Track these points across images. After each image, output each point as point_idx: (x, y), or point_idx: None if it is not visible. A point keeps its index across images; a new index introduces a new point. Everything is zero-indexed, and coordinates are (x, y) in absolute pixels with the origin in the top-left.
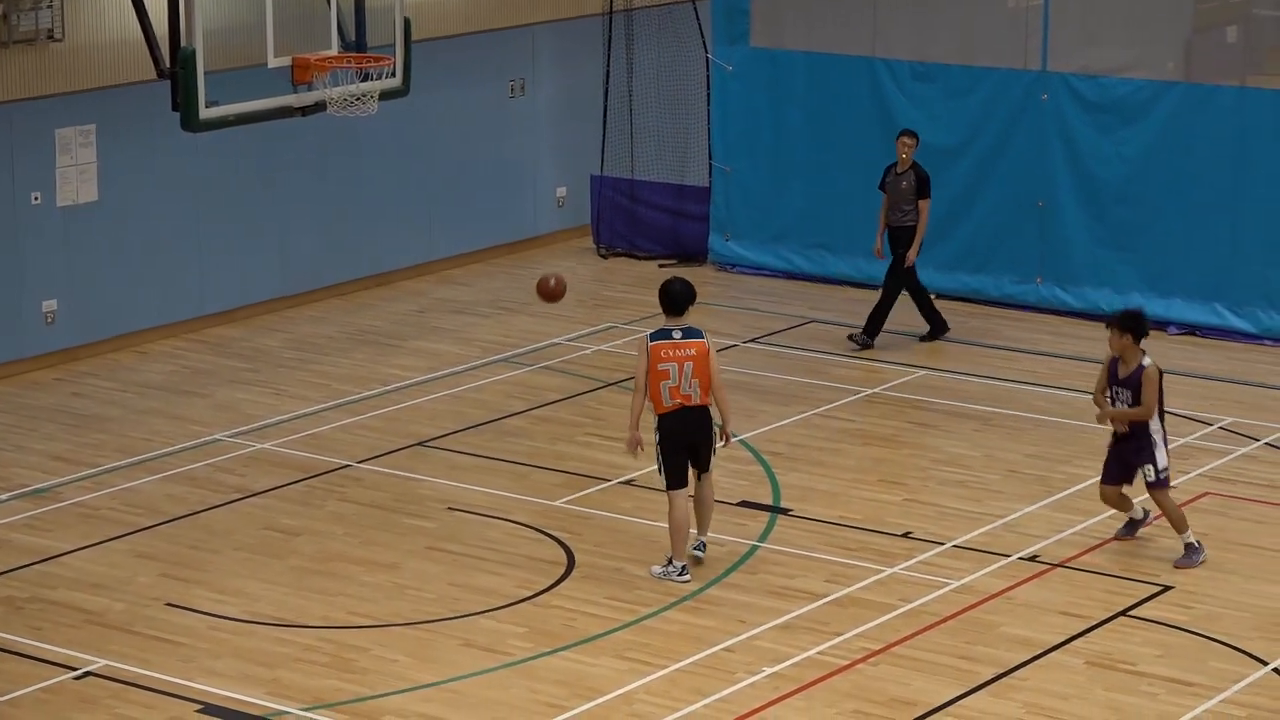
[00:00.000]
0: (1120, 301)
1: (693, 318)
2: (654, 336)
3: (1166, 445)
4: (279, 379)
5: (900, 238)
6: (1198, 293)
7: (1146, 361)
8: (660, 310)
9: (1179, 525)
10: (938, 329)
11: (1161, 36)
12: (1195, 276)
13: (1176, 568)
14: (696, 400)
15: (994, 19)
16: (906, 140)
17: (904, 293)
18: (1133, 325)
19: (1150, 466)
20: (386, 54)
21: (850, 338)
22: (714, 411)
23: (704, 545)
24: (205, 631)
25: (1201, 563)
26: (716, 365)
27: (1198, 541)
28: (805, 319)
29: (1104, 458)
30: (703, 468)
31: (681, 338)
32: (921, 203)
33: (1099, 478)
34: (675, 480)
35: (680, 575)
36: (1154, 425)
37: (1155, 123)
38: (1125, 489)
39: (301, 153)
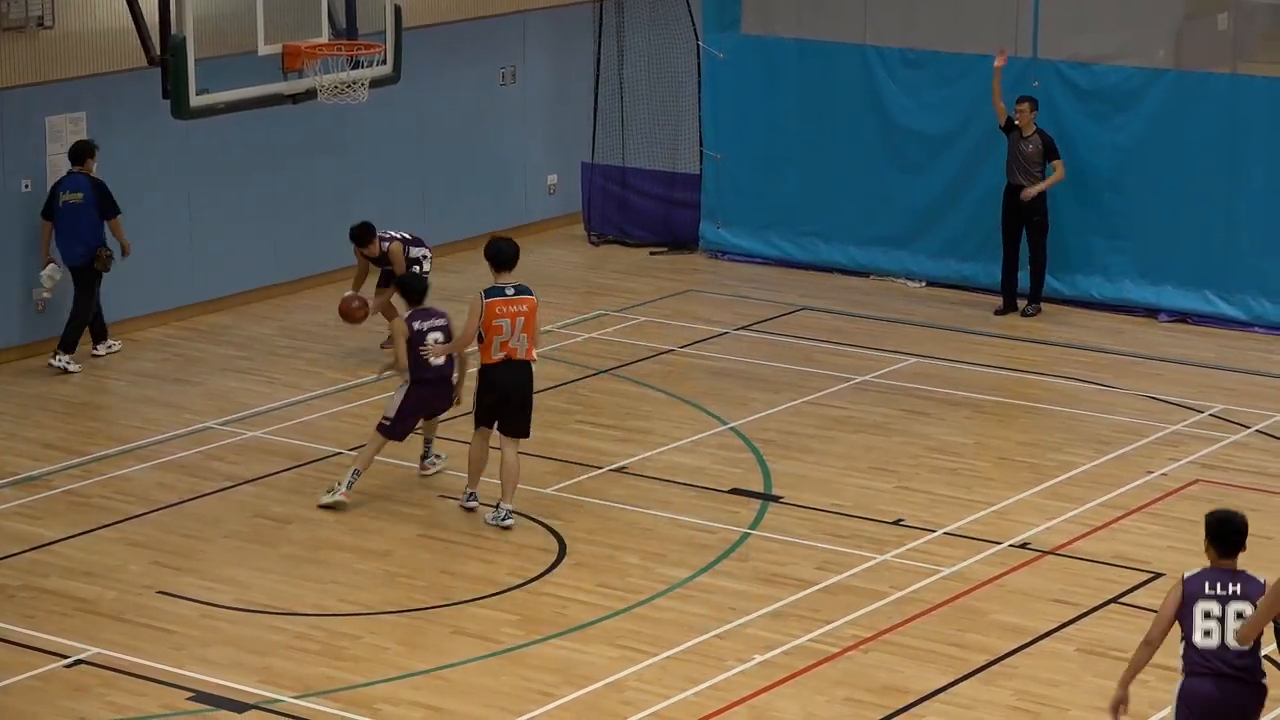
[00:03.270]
0: (1112, 289)
1: (670, 303)
2: (488, 294)
3: (402, 394)
4: (271, 367)
5: (1026, 201)
6: (1189, 280)
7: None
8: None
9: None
10: (1010, 307)
11: (1153, 23)
12: (1187, 264)
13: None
14: (521, 354)
15: (985, 6)
16: (1022, 106)
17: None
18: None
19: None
20: (377, 41)
21: (1023, 313)
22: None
23: (510, 514)
24: (196, 619)
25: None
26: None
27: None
28: (796, 306)
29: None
30: (517, 431)
31: (514, 294)
32: (1056, 163)
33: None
34: (484, 421)
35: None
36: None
37: (1147, 110)
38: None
39: (293, 140)
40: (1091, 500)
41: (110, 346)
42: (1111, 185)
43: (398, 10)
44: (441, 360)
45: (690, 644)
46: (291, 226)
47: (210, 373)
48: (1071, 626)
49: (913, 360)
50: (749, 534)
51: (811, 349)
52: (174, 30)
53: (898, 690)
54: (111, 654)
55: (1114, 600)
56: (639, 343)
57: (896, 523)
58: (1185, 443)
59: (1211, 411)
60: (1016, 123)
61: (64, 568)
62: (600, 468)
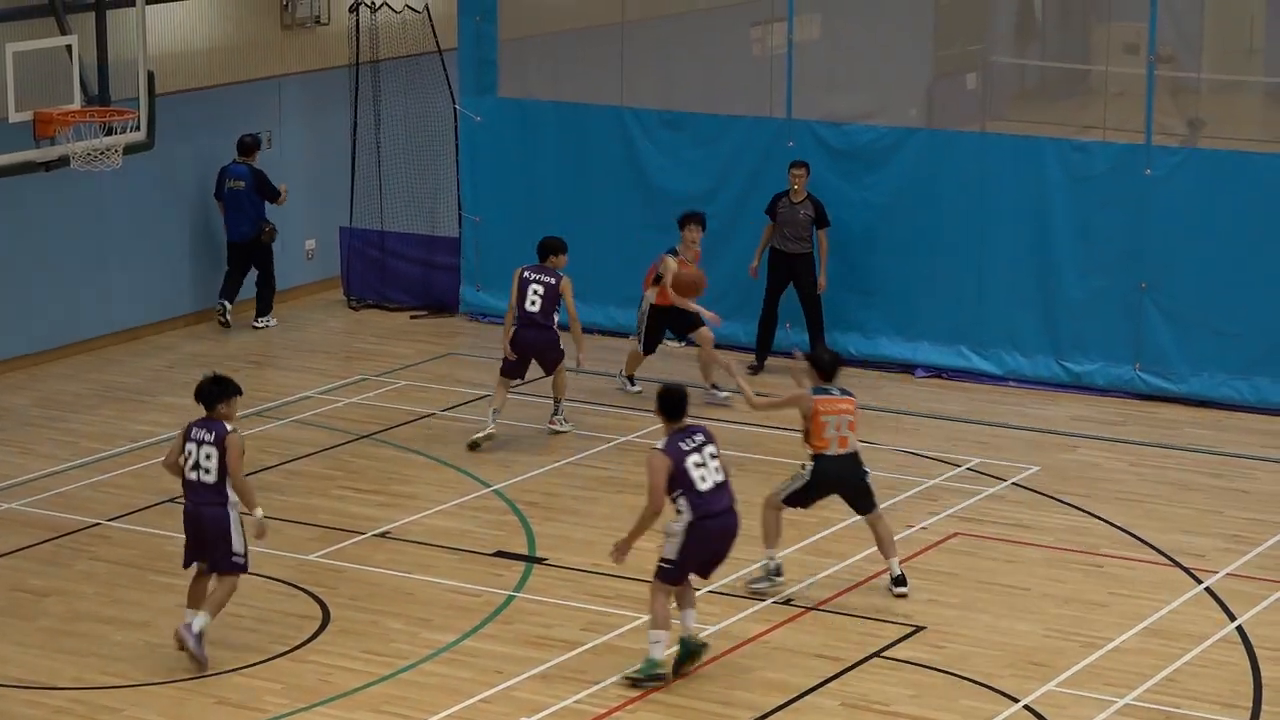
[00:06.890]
0: (868, 346)
1: (431, 366)
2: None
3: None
4: (25, 437)
5: (796, 266)
6: (943, 336)
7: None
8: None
9: None
10: (761, 366)
11: (904, 83)
12: (940, 320)
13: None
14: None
15: (740, 67)
16: (797, 171)
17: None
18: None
19: None
20: (130, 108)
21: (750, 367)
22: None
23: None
24: None
25: None
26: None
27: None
28: None
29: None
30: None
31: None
32: (821, 232)
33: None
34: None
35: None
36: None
37: (899, 169)
38: None
39: (50, 207)
40: (853, 555)
41: (269, 322)
42: (865, 243)
43: (151, 76)
44: None
45: (456, 708)
46: (47, 294)
47: None
48: (835, 682)
49: None
50: (514, 596)
51: (573, 410)
52: None
53: None
54: None
55: (877, 654)
56: (401, 407)
57: None
58: (943, 496)
59: (968, 465)
60: (791, 187)
61: None
62: (363, 533)
